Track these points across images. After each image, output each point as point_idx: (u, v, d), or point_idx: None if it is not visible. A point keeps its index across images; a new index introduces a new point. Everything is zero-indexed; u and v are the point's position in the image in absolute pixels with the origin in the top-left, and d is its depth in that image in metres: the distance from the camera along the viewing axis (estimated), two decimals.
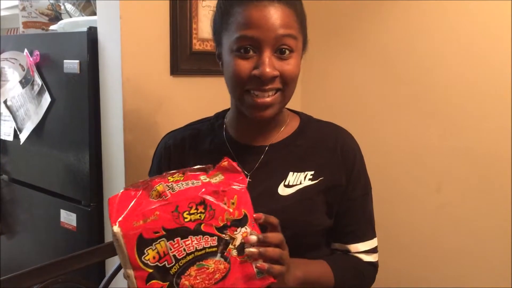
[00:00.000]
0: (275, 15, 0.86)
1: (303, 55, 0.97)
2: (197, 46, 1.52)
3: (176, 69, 1.49)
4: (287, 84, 0.90)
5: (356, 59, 1.78)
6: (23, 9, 1.88)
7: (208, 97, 1.58)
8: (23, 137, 1.68)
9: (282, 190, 0.94)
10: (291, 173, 0.96)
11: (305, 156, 0.98)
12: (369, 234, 1.03)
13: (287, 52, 0.88)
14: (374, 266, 1.04)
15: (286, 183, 0.95)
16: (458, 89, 1.53)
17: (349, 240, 1.02)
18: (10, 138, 1.75)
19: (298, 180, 0.95)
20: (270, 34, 0.86)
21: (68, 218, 1.59)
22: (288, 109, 1.06)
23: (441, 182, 1.60)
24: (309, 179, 0.95)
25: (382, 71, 1.70)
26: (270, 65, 0.87)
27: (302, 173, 0.96)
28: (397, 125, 1.69)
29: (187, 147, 1.02)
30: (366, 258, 1.02)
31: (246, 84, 0.89)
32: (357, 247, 1.01)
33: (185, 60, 1.50)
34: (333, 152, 0.98)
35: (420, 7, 1.58)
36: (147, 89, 1.45)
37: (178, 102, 1.51)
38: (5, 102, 1.72)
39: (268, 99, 0.89)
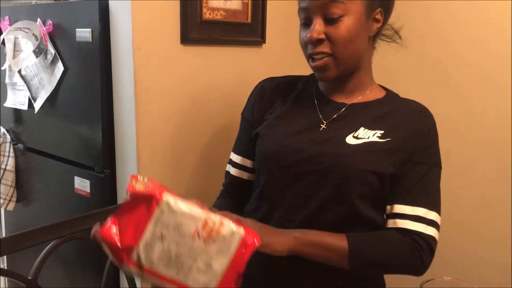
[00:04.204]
0: None
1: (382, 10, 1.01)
2: (207, 15, 1.52)
3: (186, 38, 1.50)
4: (336, 46, 0.96)
5: None
6: None
7: (218, 66, 1.59)
8: (37, 106, 1.72)
9: (350, 140, 1.00)
10: (362, 128, 1.01)
11: (379, 119, 1.02)
12: (423, 202, 0.97)
13: (335, 17, 0.94)
14: (422, 238, 0.94)
15: (356, 135, 1.00)
16: (467, 58, 1.53)
17: (397, 199, 0.98)
18: (24, 107, 1.79)
19: (367, 135, 1.00)
20: (315, 3, 0.95)
21: (82, 184, 1.63)
22: (379, 85, 1.12)
23: (450, 151, 1.60)
24: (377, 137, 1.00)
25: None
26: (316, 30, 0.95)
27: (372, 131, 1.01)
28: (404, 94, 1.69)
29: (279, 92, 1.12)
30: (412, 225, 0.95)
31: (307, 49, 1.00)
32: (403, 209, 0.97)
33: (195, 29, 1.51)
34: (409, 123, 1.02)
35: None
36: (158, 58, 1.46)
37: (189, 71, 1.53)
38: (19, 71, 1.75)
39: (320, 63, 0.98)
